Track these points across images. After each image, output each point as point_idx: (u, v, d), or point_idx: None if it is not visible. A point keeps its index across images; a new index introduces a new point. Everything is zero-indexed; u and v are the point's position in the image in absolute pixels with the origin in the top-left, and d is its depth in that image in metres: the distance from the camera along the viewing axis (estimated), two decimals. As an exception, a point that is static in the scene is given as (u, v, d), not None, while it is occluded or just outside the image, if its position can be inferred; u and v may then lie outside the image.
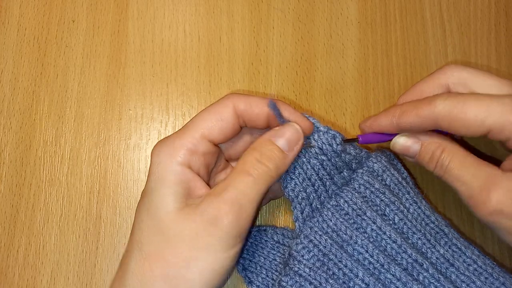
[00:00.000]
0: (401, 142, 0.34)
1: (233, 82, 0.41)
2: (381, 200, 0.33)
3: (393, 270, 0.31)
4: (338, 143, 0.32)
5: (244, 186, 0.29)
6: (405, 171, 0.36)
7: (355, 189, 0.33)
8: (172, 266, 0.28)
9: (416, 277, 0.31)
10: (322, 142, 0.32)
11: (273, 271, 0.34)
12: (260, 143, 0.31)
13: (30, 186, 0.39)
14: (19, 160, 0.39)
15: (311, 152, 0.32)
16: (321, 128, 0.33)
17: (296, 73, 0.41)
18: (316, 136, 0.32)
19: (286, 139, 0.31)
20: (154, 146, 0.31)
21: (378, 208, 0.33)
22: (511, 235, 0.30)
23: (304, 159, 0.32)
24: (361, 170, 0.34)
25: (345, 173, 0.34)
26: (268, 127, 0.32)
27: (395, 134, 0.34)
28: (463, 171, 0.31)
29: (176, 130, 0.40)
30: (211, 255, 0.28)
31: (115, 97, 0.41)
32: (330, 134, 0.32)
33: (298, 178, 0.32)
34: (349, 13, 0.43)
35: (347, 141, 0.33)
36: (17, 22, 0.42)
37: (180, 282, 0.28)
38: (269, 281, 0.33)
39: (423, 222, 0.33)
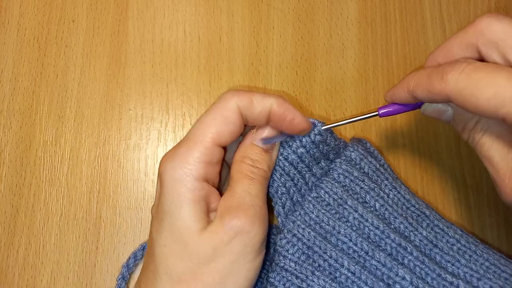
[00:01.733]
0: (432, 106, 0.30)
1: (233, 82, 0.41)
2: (361, 188, 0.33)
3: (377, 256, 0.31)
4: (316, 132, 0.32)
5: (254, 191, 0.29)
6: (382, 158, 0.36)
7: (335, 178, 0.33)
8: (209, 286, 0.28)
9: (401, 261, 0.31)
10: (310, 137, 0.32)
11: (262, 269, 0.34)
12: (245, 149, 0.31)
13: (30, 186, 0.39)
14: (19, 160, 0.39)
15: (288, 145, 0.32)
16: None
17: (296, 73, 0.41)
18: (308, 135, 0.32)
19: (267, 139, 0.31)
20: (163, 161, 0.29)
21: (359, 196, 0.33)
22: None
23: (280, 155, 0.32)
24: (339, 160, 0.34)
25: (323, 164, 0.34)
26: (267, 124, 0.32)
27: (417, 104, 0.31)
28: (492, 151, 0.27)
29: (176, 130, 0.40)
30: (243, 267, 0.28)
31: (115, 97, 0.41)
32: (317, 127, 0.32)
33: (275, 174, 0.33)
34: (349, 13, 0.43)
35: (366, 117, 0.32)
36: (17, 22, 0.42)
37: None
38: (259, 279, 0.33)
39: (404, 206, 0.34)
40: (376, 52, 0.42)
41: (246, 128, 0.31)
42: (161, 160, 0.29)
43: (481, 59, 0.28)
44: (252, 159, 0.30)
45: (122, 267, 0.36)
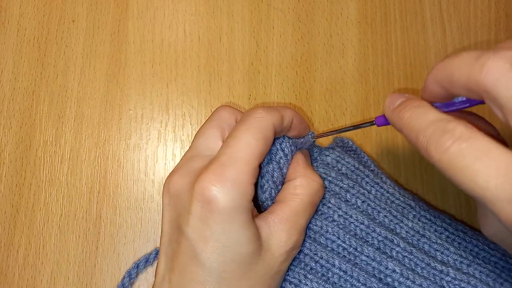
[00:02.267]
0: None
1: (233, 82, 0.41)
2: (340, 188, 0.34)
3: (366, 251, 0.32)
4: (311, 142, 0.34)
5: (310, 214, 0.32)
6: (365, 155, 0.37)
7: None
8: None
9: (389, 254, 0.32)
10: (286, 146, 0.33)
11: None
12: (312, 170, 0.33)
13: (30, 186, 0.39)
14: (19, 160, 0.39)
15: (273, 155, 0.32)
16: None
17: (296, 73, 0.41)
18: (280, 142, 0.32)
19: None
20: (210, 184, 0.27)
21: (340, 195, 0.34)
22: None
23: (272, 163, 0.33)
24: (315, 164, 0.35)
25: None
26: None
27: None
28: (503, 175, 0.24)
29: (176, 130, 0.40)
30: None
31: (115, 97, 0.41)
32: (312, 135, 0.34)
33: (265, 181, 0.32)
34: (349, 13, 0.43)
35: (364, 125, 0.33)
36: (17, 22, 0.42)
37: None
38: None
39: (388, 200, 0.34)
40: (376, 52, 0.42)
41: None
42: (200, 182, 0.27)
43: None
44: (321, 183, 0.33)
45: (124, 277, 0.36)
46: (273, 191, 0.32)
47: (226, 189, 0.27)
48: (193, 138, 0.32)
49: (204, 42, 0.42)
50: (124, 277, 0.36)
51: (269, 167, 0.32)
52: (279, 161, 0.32)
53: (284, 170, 0.32)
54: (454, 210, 0.39)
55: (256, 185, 0.31)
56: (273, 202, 0.32)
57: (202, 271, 0.28)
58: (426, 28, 0.43)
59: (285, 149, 0.32)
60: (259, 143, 0.28)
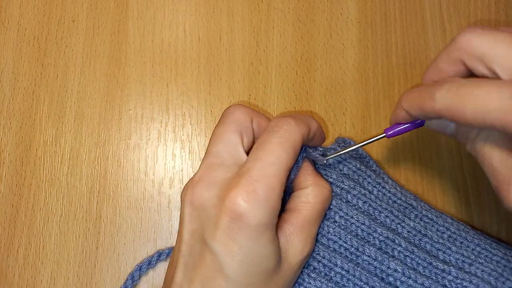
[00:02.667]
0: (435, 122, 0.31)
1: (233, 82, 0.41)
2: (341, 189, 0.34)
3: (367, 251, 0.32)
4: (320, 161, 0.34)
5: (320, 222, 0.32)
6: (367, 155, 0.37)
7: None
8: None
9: (391, 253, 0.32)
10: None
11: None
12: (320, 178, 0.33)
13: (30, 186, 0.39)
14: (19, 160, 0.39)
15: None
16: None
17: (296, 73, 0.41)
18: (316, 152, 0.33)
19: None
20: (238, 199, 0.27)
21: (341, 196, 0.34)
22: None
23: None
24: (316, 166, 0.35)
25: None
26: None
27: (421, 121, 0.31)
28: (493, 158, 0.27)
29: (176, 130, 0.40)
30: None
31: (115, 97, 0.41)
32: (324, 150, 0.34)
33: None
34: (349, 13, 0.43)
35: (374, 140, 0.32)
36: (17, 22, 0.42)
37: None
38: None
39: (389, 200, 0.34)
40: (376, 52, 0.42)
41: None
42: (231, 197, 0.27)
43: (471, 72, 0.28)
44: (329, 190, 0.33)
45: (127, 280, 0.36)
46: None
47: (257, 206, 0.26)
48: (196, 139, 0.32)
49: (204, 42, 0.42)
50: (126, 279, 0.36)
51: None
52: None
53: (292, 177, 0.32)
54: (454, 210, 0.39)
55: None
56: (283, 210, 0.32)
57: (227, 285, 0.28)
58: (426, 28, 0.43)
59: (299, 158, 0.32)
60: (289, 157, 0.28)
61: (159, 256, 0.36)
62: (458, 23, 0.43)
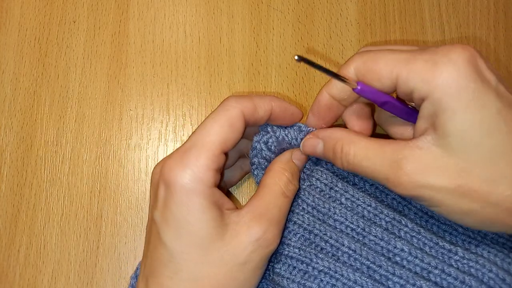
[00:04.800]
0: (306, 143, 0.33)
1: (233, 82, 0.41)
2: (348, 172, 0.34)
3: (374, 231, 0.32)
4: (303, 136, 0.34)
5: (284, 207, 0.31)
6: None
7: (323, 166, 0.35)
8: None
9: (397, 234, 0.32)
10: (291, 137, 0.34)
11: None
12: (287, 163, 0.32)
13: (31, 186, 0.39)
14: (20, 160, 0.39)
15: (275, 143, 0.34)
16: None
17: (295, 74, 0.42)
18: (286, 132, 0.34)
19: (302, 162, 0.34)
20: (170, 169, 0.28)
21: (347, 179, 0.34)
22: (441, 207, 0.28)
23: (273, 153, 0.34)
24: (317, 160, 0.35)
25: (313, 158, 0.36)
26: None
27: (387, 96, 0.30)
28: (370, 159, 0.29)
29: (177, 130, 0.40)
30: (259, 275, 0.30)
31: (116, 97, 0.41)
32: (296, 128, 0.34)
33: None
34: (349, 14, 0.43)
35: (343, 80, 0.29)
36: (18, 23, 0.42)
37: None
38: (265, 272, 0.34)
39: None
40: (376, 53, 0.42)
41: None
42: (165, 166, 0.29)
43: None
44: (291, 173, 0.32)
45: (131, 278, 0.36)
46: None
47: (182, 172, 0.28)
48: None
49: (204, 43, 0.42)
50: (131, 278, 0.36)
51: (254, 159, 0.33)
52: (262, 153, 0.33)
53: (267, 162, 0.33)
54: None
55: None
56: None
57: (166, 252, 0.29)
58: (425, 28, 0.43)
59: (268, 142, 0.33)
60: (221, 130, 0.29)
61: None
62: (457, 23, 0.43)
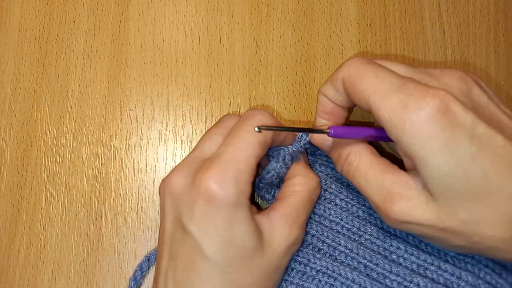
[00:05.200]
0: (317, 136, 0.33)
1: (233, 82, 0.41)
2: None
3: (369, 230, 0.33)
4: (302, 146, 0.34)
5: (310, 212, 0.33)
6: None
7: (317, 169, 0.35)
8: None
9: (393, 232, 0.33)
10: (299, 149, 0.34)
11: None
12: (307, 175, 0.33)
13: (31, 186, 0.39)
14: (20, 160, 0.39)
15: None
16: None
17: (295, 74, 0.42)
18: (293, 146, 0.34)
19: None
20: (212, 182, 0.28)
21: (341, 180, 0.35)
22: (427, 239, 0.29)
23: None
24: (318, 152, 0.36)
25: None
26: None
27: (365, 131, 0.31)
28: (369, 178, 0.29)
29: (177, 130, 0.40)
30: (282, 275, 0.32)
31: (116, 97, 0.41)
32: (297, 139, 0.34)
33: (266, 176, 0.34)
34: (349, 14, 0.43)
35: (316, 132, 0.32)
36: (18, 23, 0.42)
37: None
38: None
39: None
40: (376, 53, 0.42)
41: None
42: (207, 178, 0.28)
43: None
44: (318, 180, 0.33)
45: (130, 281, 0.36)
46: (276, 190, 0.34)
47: (227, 187, 0.28)
48: (196, 139, 0.33)
49: (204, 43, 0.42)
50: (135, 271, 0.36)
51: (275, 166, 0.33)
52: (284, 160, 0.33)
53: (286, 170, 0.33)
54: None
55: (253, 184, 0.32)
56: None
57: (209, 267, 0.28)
58: (425, 29, 0.43)
59: (290, 150, 0.33)
60: (259, 145, 0.30)
61: None
62: (457, 24, 0.43)
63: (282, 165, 0.33)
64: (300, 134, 0.34)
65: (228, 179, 0.28)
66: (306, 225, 0.33)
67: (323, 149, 0.33)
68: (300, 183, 0.32)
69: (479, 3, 0.44)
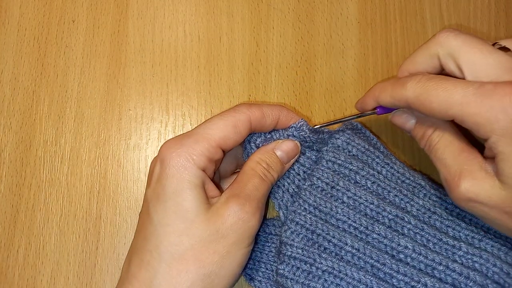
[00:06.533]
0: (397, 115, 0.34)
1: (233, 82, 0.41)
2: (350, 170, 0.35)
3: (377, 229, 0.32)
4: (306, 130, 0.34)
5: (262, 189, 0.32)
6: (374, 137, 0.38)
7: (324, 165, 0.35)
8: (208, 265, 0.30)
9: (400, 231, 0.32)
10: (293, 133, 0.34)
11: (272, 263, 0.35)
12: (265, 154, 0.34)
13: (30, 186, 0.39)
14: (19, 160, 0.39)
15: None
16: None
17: (296, 73, 0.41)
18: (289, 131, 0.34)
19: (286, 153, 0.34)
20: (168, 147, 0.31)
21: (349, 177, 0.35)
22: (487, 220, 0.30)
23: None
24: (325, 148, 0.36)
25: (308, 154, 0.36)
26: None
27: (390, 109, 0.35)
28: (446, 154, 0.31)
29: (176, 130, 0.40)
30: (239, 251, 0.31)
31: (115, 97, 0.41)
32: (299, 124, 0.34)
33: None
34: (349, 13, 0.43)
35: (366, 114, 0.35)
36: (17, 22, 0.42)
37: (215, 280, 0.30)
38: (270, 273, 0.34)
39: (398, 180, 0.35)
40: (376, 52, 0.42)
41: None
42: (164, 146, 0.31)
43: (441, 71, 0.32)
44: (268, 164, 0.33)
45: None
46: (285, 195, 0.35)
47: (178, 151, 0.30)
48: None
49: (204, 42, 0.42)
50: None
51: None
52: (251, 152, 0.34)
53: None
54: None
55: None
56: (287, 207, 0.35)
57: (151, 226, 0.30)
58: (426, 28, 0.43)
59: (257, 141, 0.34)
60: (225, 128, 0.31)
61: None
62: (458, 23, 0.43)
63: (252, 146, 0.34)
64: (298, 123, 0.34)
65: (182, 145, 0.30)
66: (289, 222, 0.33)
67: (405, 128, 0.34)
68: (248, 164, 0.33)
69: (480, 2, 0.44)
